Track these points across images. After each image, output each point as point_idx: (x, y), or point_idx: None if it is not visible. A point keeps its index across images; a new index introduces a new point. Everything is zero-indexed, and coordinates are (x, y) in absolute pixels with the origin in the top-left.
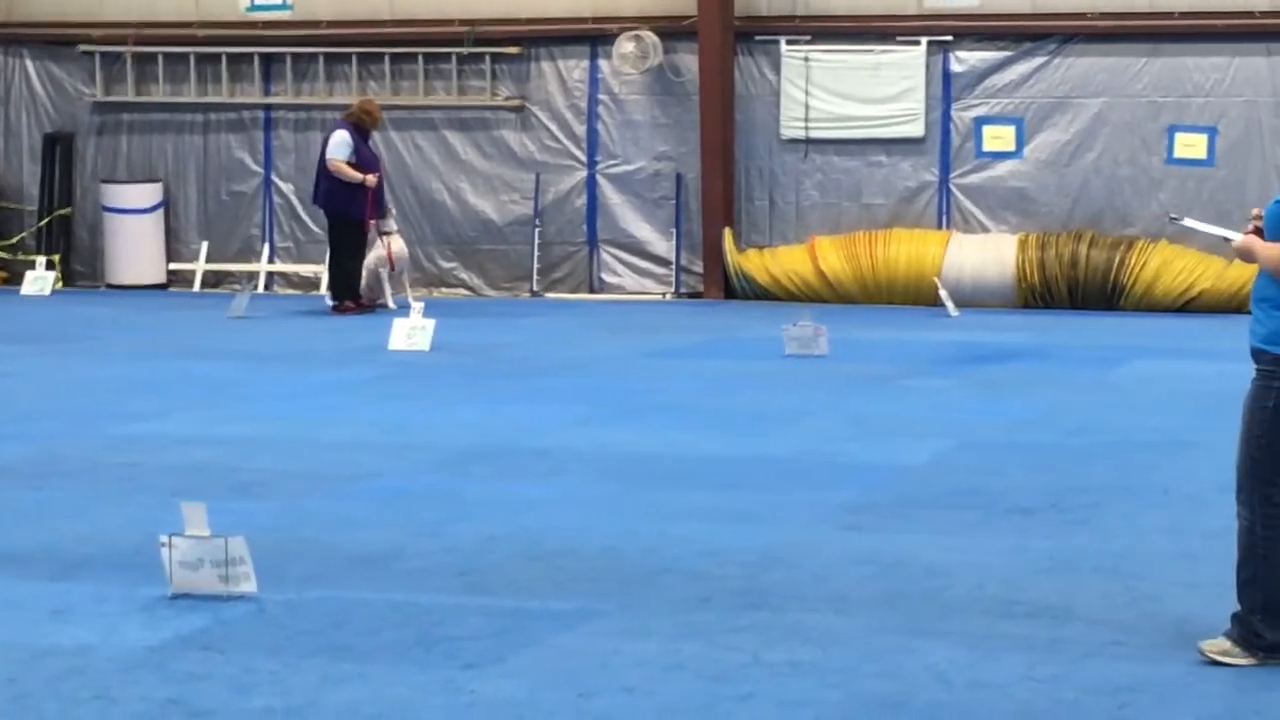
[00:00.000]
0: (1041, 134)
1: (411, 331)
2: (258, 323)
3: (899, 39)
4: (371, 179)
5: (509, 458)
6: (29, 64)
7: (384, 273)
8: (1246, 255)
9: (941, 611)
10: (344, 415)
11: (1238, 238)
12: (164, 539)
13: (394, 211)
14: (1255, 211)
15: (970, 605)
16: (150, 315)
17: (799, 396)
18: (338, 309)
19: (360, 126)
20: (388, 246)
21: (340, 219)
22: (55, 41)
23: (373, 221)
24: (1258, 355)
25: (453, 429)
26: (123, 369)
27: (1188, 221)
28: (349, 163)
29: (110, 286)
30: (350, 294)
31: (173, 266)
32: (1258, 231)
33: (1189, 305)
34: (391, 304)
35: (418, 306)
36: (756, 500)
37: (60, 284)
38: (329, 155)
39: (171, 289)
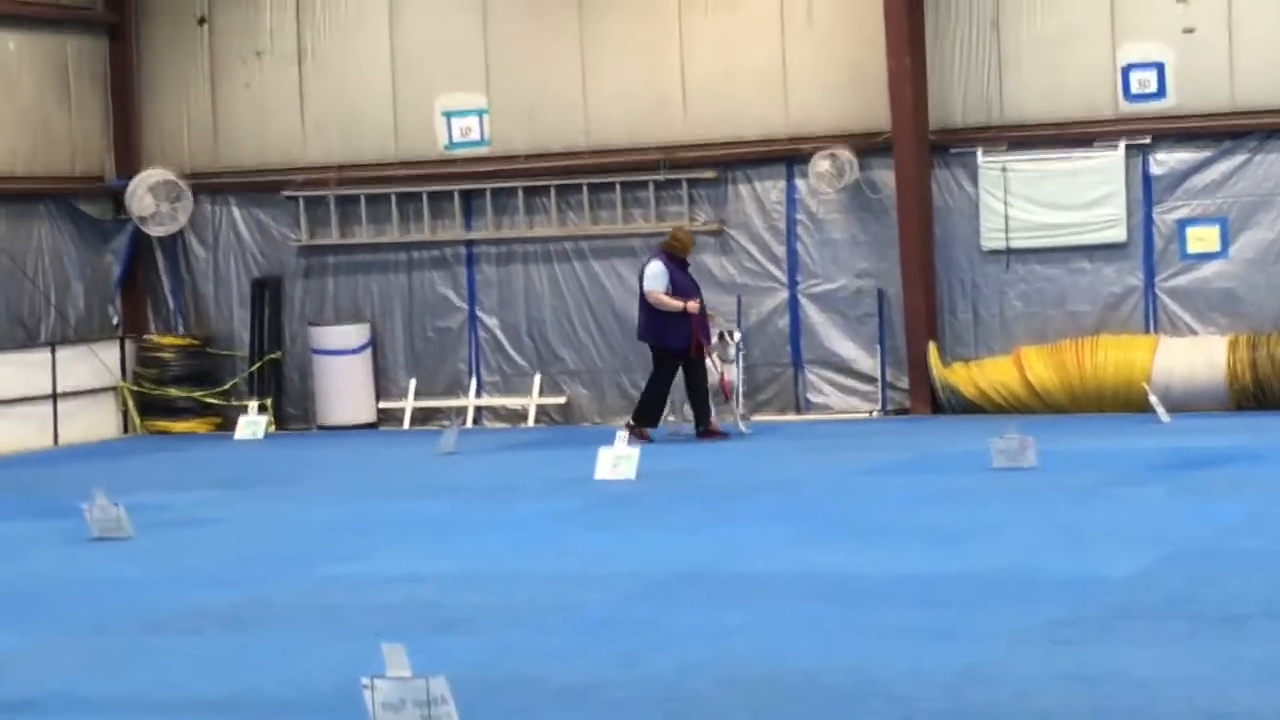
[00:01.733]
0: (1246, 233)
1: (617, 460)
2: (466, 458)
3: (1096, 143)
4: (693, 305)
5: (712, 583)
6: (235, 211)
7: (718, 401)
8: None
9: None
10: (548, 547)
11: None
12: (366, 681)
13: (734, 338)
14: None
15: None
16: (360, 455)
17: (1006, 510)
18: (634, 431)
19: (674, 255)
20: (724, 374)
21: (660, 349)
22: (259, 188)
23: (707, 347)
24: None
25: (656, 556)
26: (331, 510)
27: None
28: (666, 292)
29: (322, 428)
30: (651, 421)
31: (382, 405)
32: None
33: None
34: (720, 429)
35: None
36: (960, 617)
37: (273, 427)
38: (646, 287)
39: (382, 427)
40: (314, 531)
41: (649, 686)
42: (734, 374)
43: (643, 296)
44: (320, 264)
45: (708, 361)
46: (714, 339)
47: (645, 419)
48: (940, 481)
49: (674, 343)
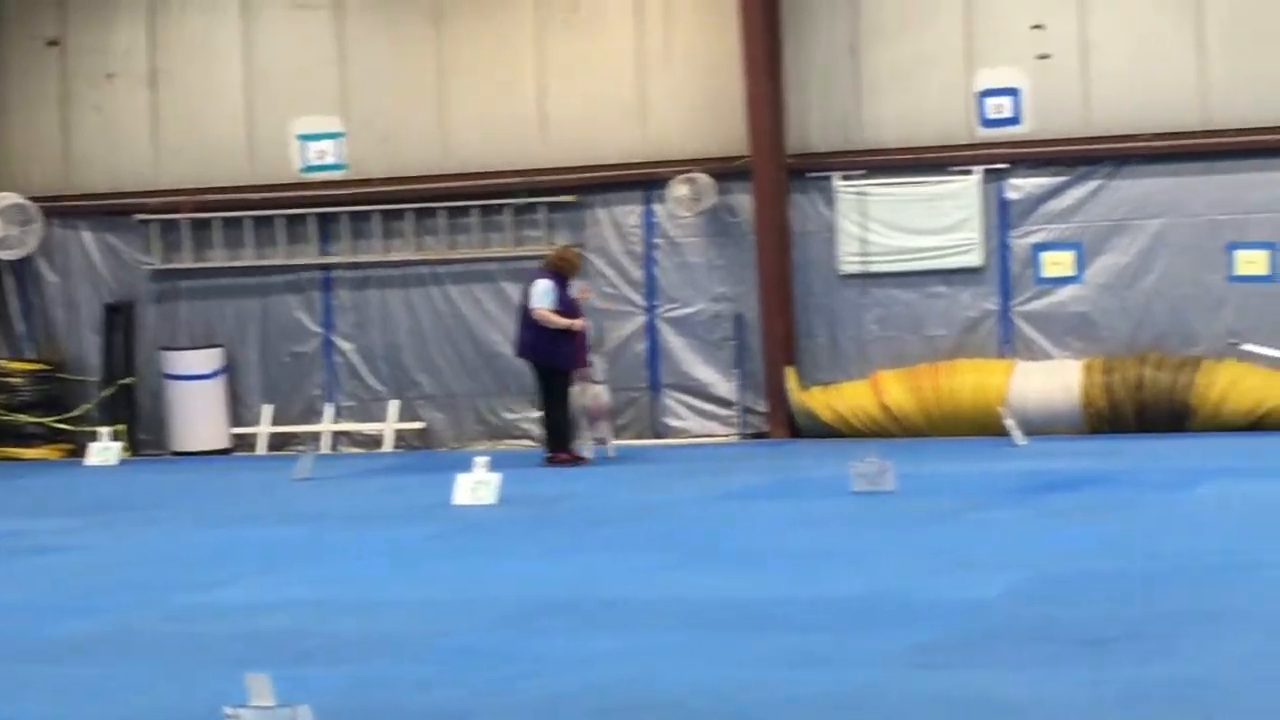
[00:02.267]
0: (1101, 257)
1: (476, 486)
2: (323, 484)
3: (952, 169)
4: (579, 324)
5: (577, 610)
6: (85, 235)
7: (584, 422)
8: None
9: None
10: (409, 574)
11: None
12: (229, 711)
13: (596, 360)
14: None
15: None
16: (215, 481)
17: (868, 534)
18: (552, 460)
19: (560, 273)
20: (594, 396)
21: (548, 369)
22: (111, 212)
23: (585, 369)
24: None
25: (519, 583)
26: (188, 537)
27: (1248, 347)
28: (555, 310)
29: (175, 454)
30: (565, 444)
31: (237, 430)
32: None
33: (1260, 423)
34: (589, 455)
35: (482, 461)
36: (827, 642)
37: (126, 453)
38: (534, 305)
39: (237, 453)
40: (172, 560)
41: (517, 716)
42: (605, 396)
43: (527, 314)
44: (173, 288)
45: (576, 385)
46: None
47: (562, 442)
48: (802, 506)
49: (562, 362)
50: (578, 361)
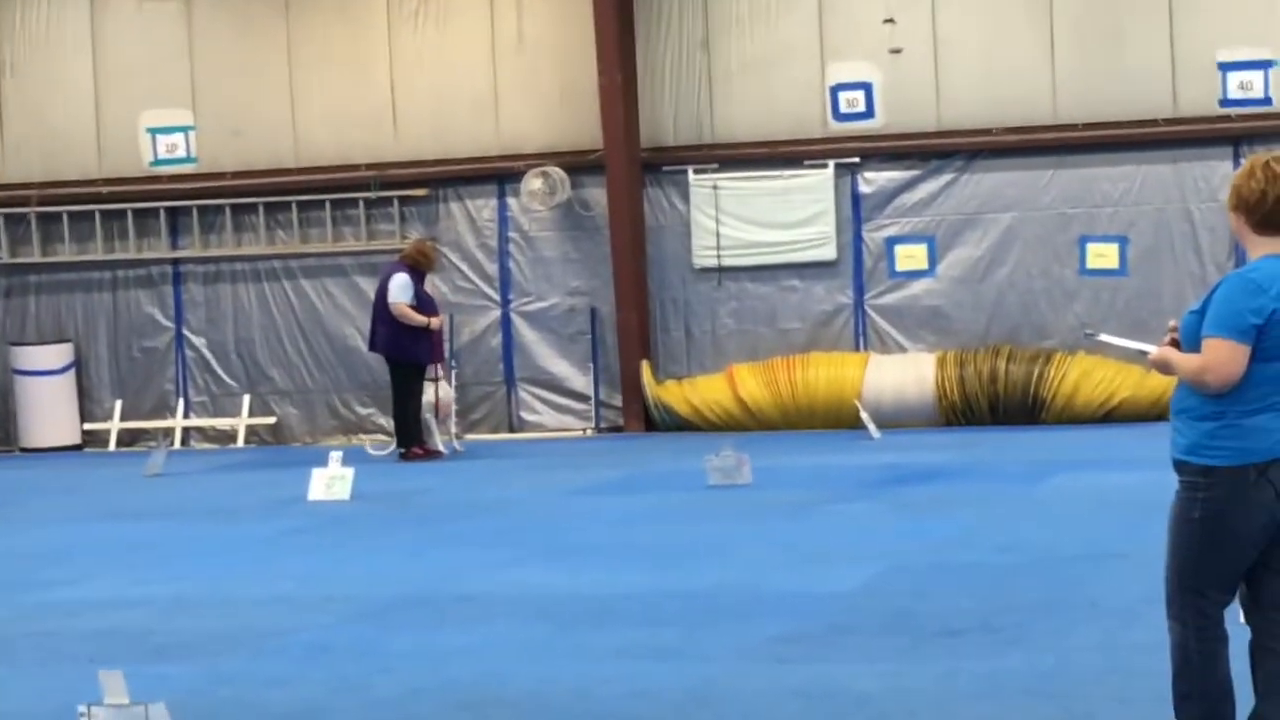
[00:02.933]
0: (954, 251)
1: (331, 481)
2: (175, 480)
3: (806, 163)
4: (436, 321)
5: (431, 606)
6: None
7: (432, 419)
8: (1164, 368)
9: None
10: (263, 570)
11: (1154, 350)
12: (82, 709)
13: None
14: (1171, 324)
15: None
16: (64, 478)
17: (723, 527)
18: (406, 456)
19: (417, 268)
20: (435, 392)
21: (403, 364)
22: None
23: (436, 365)
24: (1180, 467)
25: (374, 579)
26: (36, 534)
27: (1103, 337)
28: (411, 305)
29: (24, 450)
30: (417, 440)
31: (87, 427)
32: (1174, 344)
33: (1110, 415)
34: (444, 449)
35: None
36: (683, 636)
37: None
38: (392, 299)
39: (87, 449)
40: (21, 557)
41: (373, 712)
42: (448, 392)
43: (382, 308)
44: (21, 283)
45: (427, 382)
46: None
47: (413, 438)
48: (656, 500)
49: (417, 356)
50: (433, 356)
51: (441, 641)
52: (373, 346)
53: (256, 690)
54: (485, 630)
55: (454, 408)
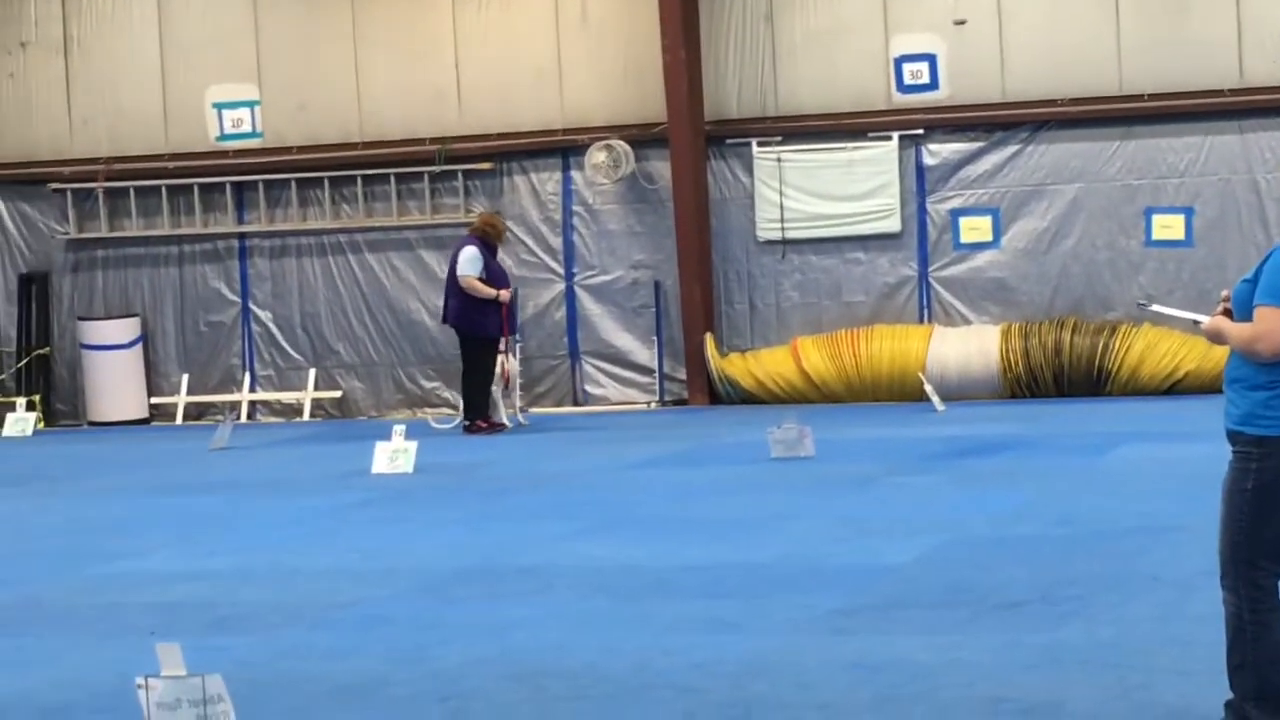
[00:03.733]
0: (1018, 223)
1: (394, 454)
2: (240, 453)
3: (870, 135)
4: (505, 294)
5: (492, 578)
6: (0, 204)
7: (498, 391)
8: (1216, 337)
9: (931, 713)
10: (325, 543)
11: (1206, 320)
12: (140, 680)
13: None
14: (1224, 294)
15: (960, 706)
16: (132, 451)
17: (785, 500)
18: (470, 429)
19: (486, 240)
20: (504, 364)
21: (473, 337)
22: (26, 181)
23: (506, 338)
24: (1233, 437)
25: (436, 551)
26: (104, 507)
27: (1156, 307)
28: (480, 278)
29: (92, 424)
30: (483, 413)
31: (154, 401)
32: (1227, 314)
33: (1175, 388)
34: (508, 422)
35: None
36: (742, 608)
37: (41, 424)
38: (461, 272)
39: (154, 423)
40: (87, 530)
41: (431, 683)
42: (514, 365)
43: (453, 282)
44: (89, 258)
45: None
46: None
47: (480, 411)
48: (719, 472)
49: (486, 330)
50: (503, 330)
51: (501, 613)
52: (445, 319)
53: (315, 662)
54: (545, 602)
55: (519, 380)
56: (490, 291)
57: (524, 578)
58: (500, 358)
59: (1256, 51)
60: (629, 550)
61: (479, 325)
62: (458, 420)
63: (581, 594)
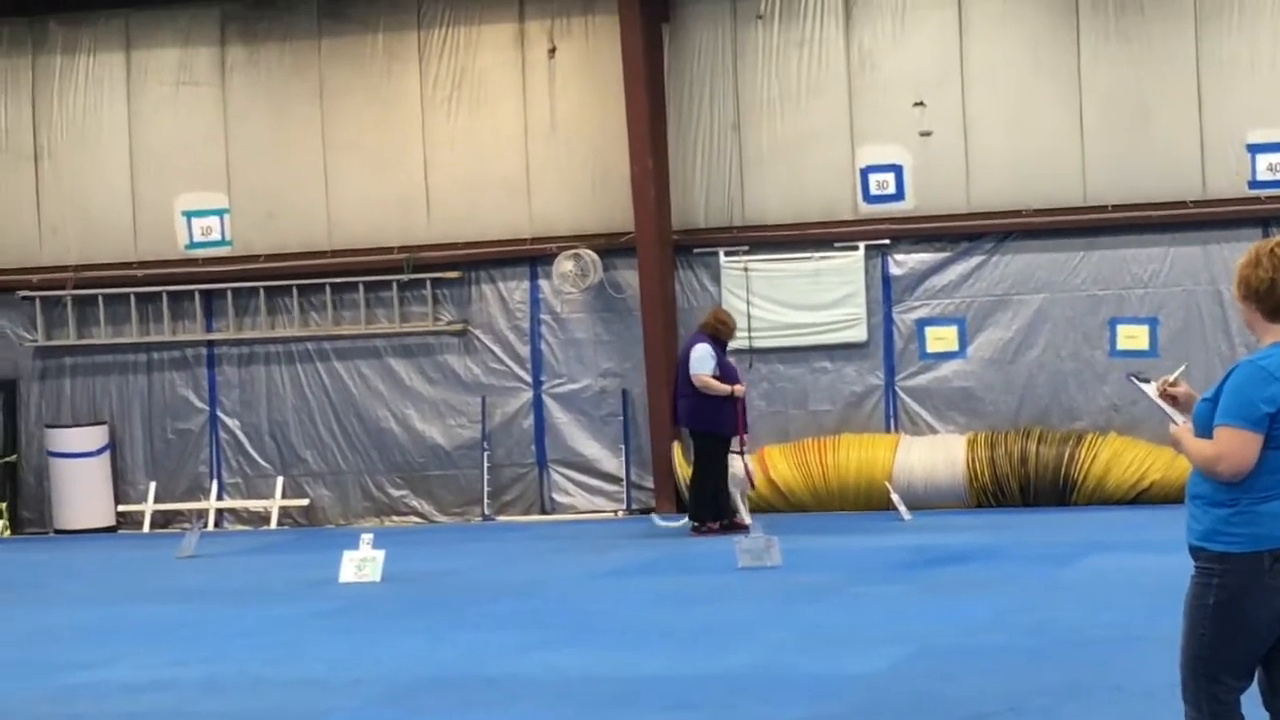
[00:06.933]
0: (984, 333)
1: (361, 563)
2: (208, 561)
3: (837, 245)
4: (739, 390)
5: (459, 688)
6: None
7: (737, 492)
8: (1177, 446)
9: None
10: (293, 652)
11: (1178, 421)
12: None
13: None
14: (1171, 378)
15: None
16: (99, 559)
17: (752, 609)
18: (699, 529)
19: (718, 337)
20: (745, 465)
21: (707, 435)
22: None
23: (742, 436)
24: (1195, 553)
25: (403, 661)
26: (70, 616)
27: (1145, 386)
28: (714, 375)
29: (59, 532)
30: (715, 514)
31: (121, 508)
32: (1171, 399)
33: (1141, 497)
34: (749, 521)
35: (365, 541)
36: (709, 719)
37: (8, 532)
38: (695, 370)
39: (121, 531)
40: (52, 638)
41: None
42: (750, 463)
43: (684, 380)
44: (57, 365)
45: (732, 455)
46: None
47: (707, 513)
48: (686, 582)
49: (720, 427)
50: (738, 428)
51: None
52: (676, 420)
53: None
54: (512, 714)
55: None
56: (725, 388)
57: (490, 688)
58: (739, 458)
59: (1219, 164)
60: (595, 660)
61: (714, 423)
62: (684, 520)
63: (548, 704)
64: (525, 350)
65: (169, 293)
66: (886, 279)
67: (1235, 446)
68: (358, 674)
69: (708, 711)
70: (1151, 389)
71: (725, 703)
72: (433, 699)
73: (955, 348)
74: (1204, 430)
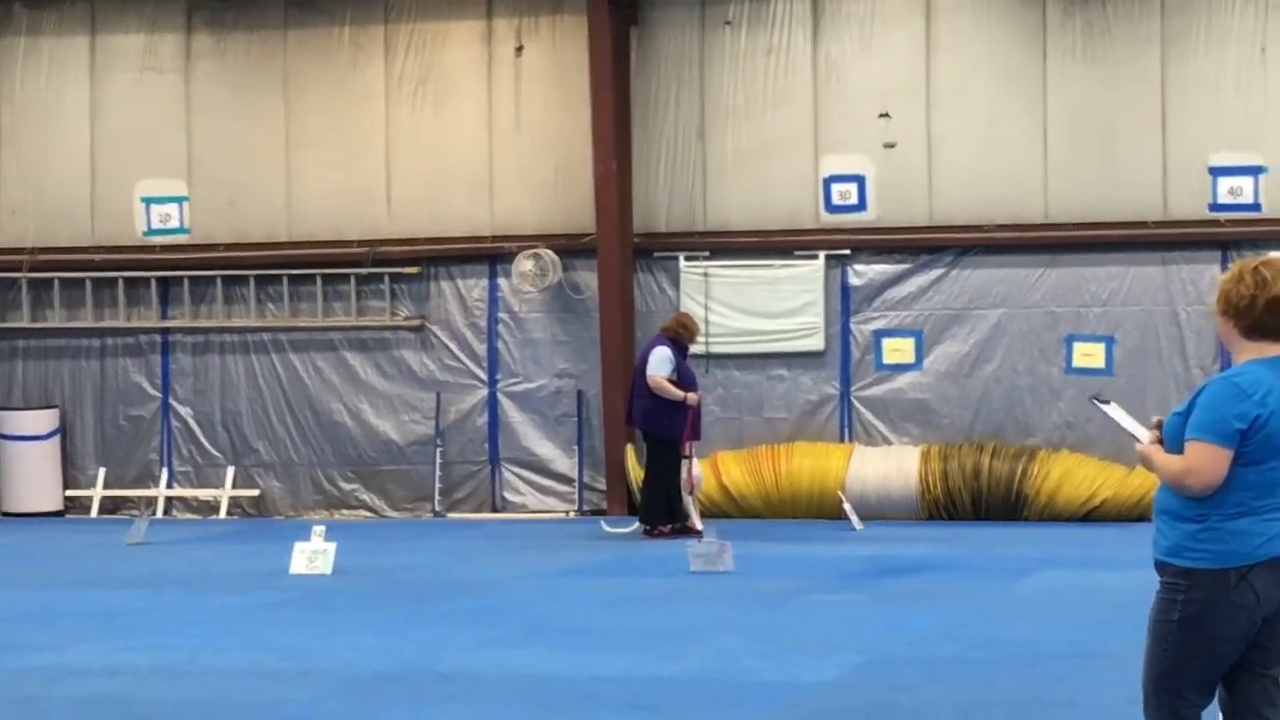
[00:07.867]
0: (941, 346)
1: (313, 555)
2: (158, 549)
3: (797, 253)
4: (694, 397)
5: (411, 683)
6: None
7: (687, 496)
8: (1146, 463)
9: None
10: (244, 641)
11: (1144, 437)
12: None
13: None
14: (1156, 419)
15: None
16: (46, 543)
17: (705, 614)
18: (650, 533)
19: (678, 341)
20: (689, 469)
21: (658, 439)
22: None
23: (690, 442)
24: (1161, 568)
25: (354, 654)
26: (17, 599)
27: (1107, 408)
28: (670, 379)
29: (6, 515)
30: (665, 517)
31: (70, 493)
32: (1160, 441)
33: (1092, 514)
34: (700, 526)
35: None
36: None
37: None
38: (651, 372)
39: (69, 516)
40: (2, 621)
41: None
42: (698, 469)
43: (641, 382)
44: (9, 348)
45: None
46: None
47: (658, 516)
48: (638, 584)
49: (675, 433)
50: (690, 433)
51: (418, 719)
52: (629, 421)
53: None
54: (462, 710)
55: (699, 486)
56: (679, 394)
57: (443, 683)
58: (688, 462)
59: (1181, 185)
60: (548, 659)
61: (665, 428)
62: (634, 526)
63: (502, 701)
64: (482, 348)
65: (125, 279)
66: (846, 289)
67: (1206, 461)
68: (309, 665)
69: (662, 715)
70: (1113, 410)
71: (679, 706)
72: (385, 692)
73: (912, 360)
74: (1174, 444)
